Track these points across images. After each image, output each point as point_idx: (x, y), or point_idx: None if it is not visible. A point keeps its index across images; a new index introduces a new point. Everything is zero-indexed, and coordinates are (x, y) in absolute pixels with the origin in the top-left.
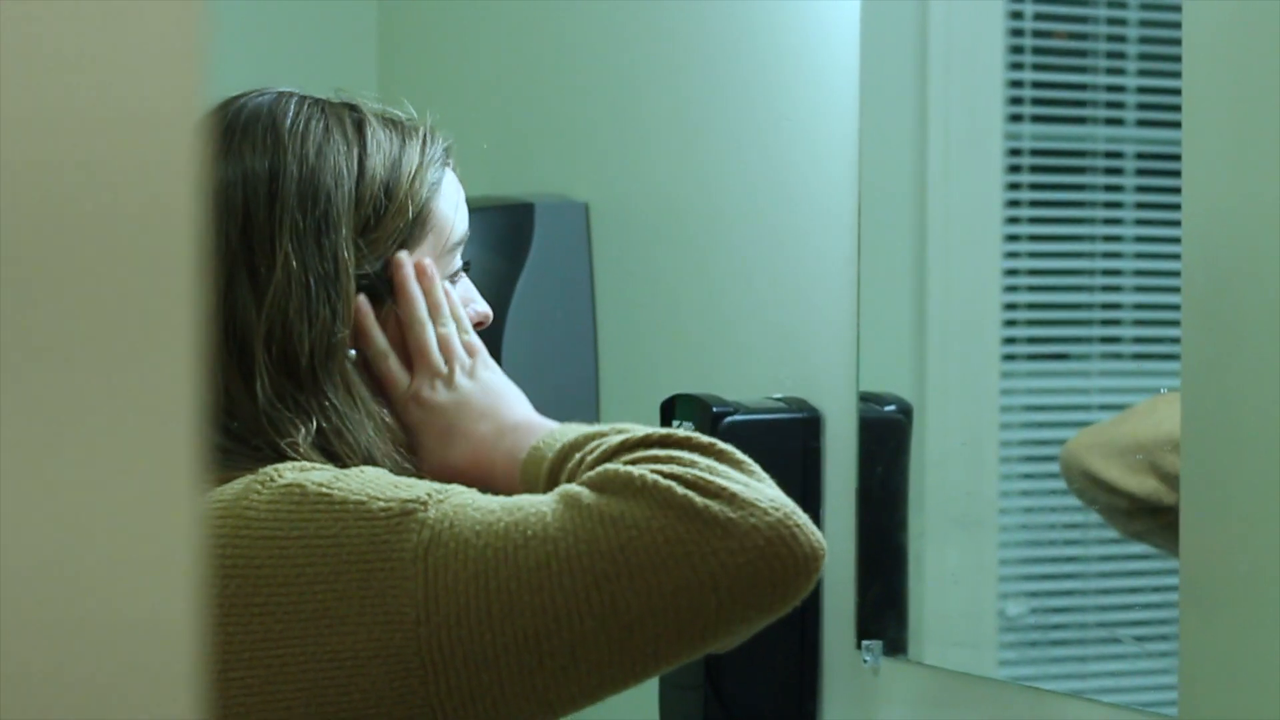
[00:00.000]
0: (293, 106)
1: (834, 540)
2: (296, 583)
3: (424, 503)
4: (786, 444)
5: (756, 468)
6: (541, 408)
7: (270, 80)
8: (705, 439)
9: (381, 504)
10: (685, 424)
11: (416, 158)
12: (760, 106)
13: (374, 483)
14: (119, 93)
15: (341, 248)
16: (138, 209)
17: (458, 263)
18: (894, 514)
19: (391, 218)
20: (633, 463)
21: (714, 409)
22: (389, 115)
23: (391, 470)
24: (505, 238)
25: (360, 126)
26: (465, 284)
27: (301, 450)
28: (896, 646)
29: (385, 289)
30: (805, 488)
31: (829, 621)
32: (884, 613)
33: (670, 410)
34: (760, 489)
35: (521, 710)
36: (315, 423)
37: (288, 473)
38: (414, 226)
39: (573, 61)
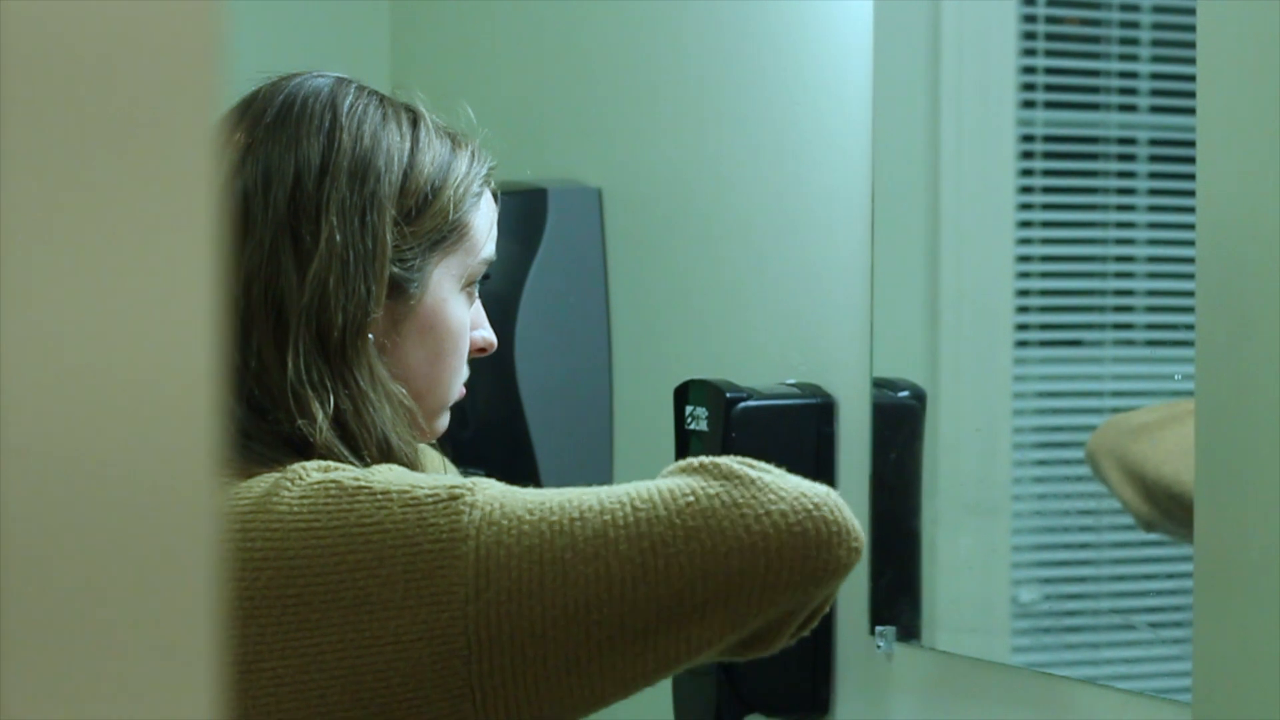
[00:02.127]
0: (353, 91)
1: None
2: (335, 571)
3: (470, 488)
4: (800, 430)
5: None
6: (555, 393)
7: (283, 65)
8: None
9: (426, 490)
10: (698, 410)
11: (464, 168)
12: (773, 93)
13: (409, 476)
14: (136, 80)
15: (383, 229)
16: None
17: (478, 280)
18: (907, 500)
19: (431, 215)
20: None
21: (727, 394)
22: (443, 124)
23: (408, 451)
24: (519, 223)
25: (416, 124)
26: (478, 308)
27: (320, 436)
28: (910, 632)
29: (411, 289)
30: (818, 474)
31: (842, 608)
32: (897, 599)
33: (683, 396)
34: (799, 479)
35: (563, 692)
36: (335, 402)
37: (314, 472)
38: (450, 231)
39: (585, 47)
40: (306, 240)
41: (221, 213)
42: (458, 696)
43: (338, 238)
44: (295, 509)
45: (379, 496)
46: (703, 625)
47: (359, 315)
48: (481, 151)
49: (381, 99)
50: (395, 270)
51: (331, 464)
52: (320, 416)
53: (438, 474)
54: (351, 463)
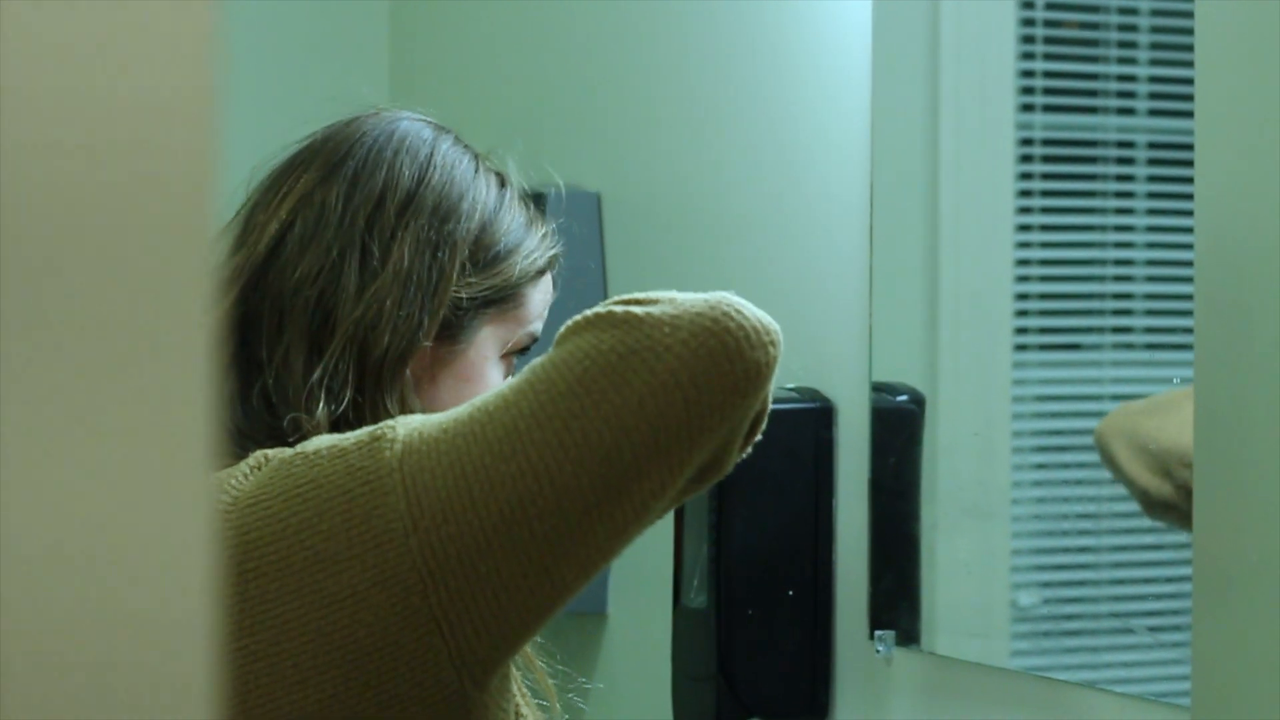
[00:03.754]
0: (451, 139)
1: (846, 531)
2: (283, 537)
3: (391, 426)
4: (799, 434)
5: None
6: None
7: (282, 69)
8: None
9: (352, 440)
10: None
11: (535, 242)
12: (772, 96)
13: (340, 436)
14: (132, 88)
15: (451, 268)
16: (151, 206)
17: (515, 359)
18: (906, 504)
19: (496, 273)
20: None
21: None
22: (527, 194)
23: None
24: None
25: (503, 186)
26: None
27: (310, 424)
28: (909, 637)
29: (459, 335)
30: (817, 478)
31: (841, 612)
32: (896, 603)
33: None
34: (691, 295)
35: (525, 595)
36: (348, 410)
37: (263, 456)
38: (509, 295)
39: (584, 52)
40: (375, 257)
41: (218, 209)
42: (425, 632)
43: (405, 263)
44: (246, 486)
45: (310, 457)
46: (644, 481)
47: (407, 342)
48: (554, 235)
49: (476, 155)
50: (448, 314)
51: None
52: (322, 416)
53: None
54: None
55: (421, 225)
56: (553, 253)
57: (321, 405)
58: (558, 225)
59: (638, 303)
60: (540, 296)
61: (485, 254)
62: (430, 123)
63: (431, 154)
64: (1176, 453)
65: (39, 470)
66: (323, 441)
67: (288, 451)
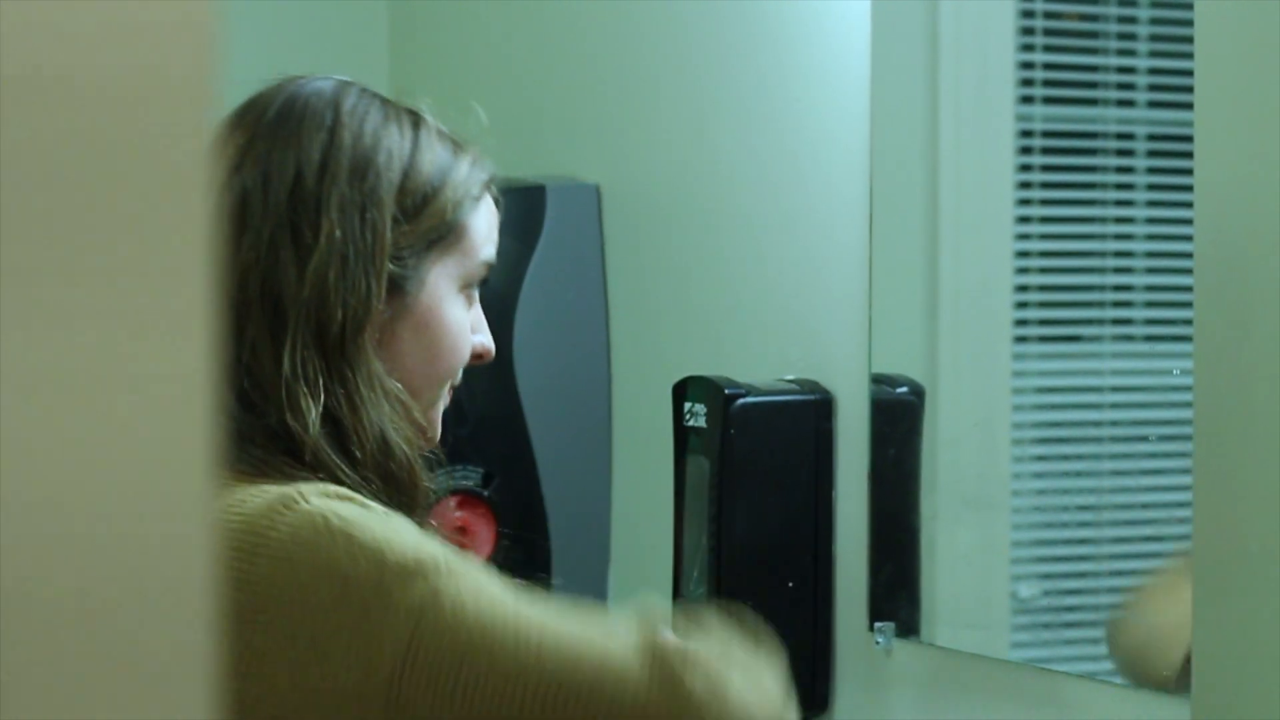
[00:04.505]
0: (355, 92)
1: (846, 523)
2: (299, 605)
3: (436, 567)
4: (798, 426)
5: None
6: (553, 390)
7: (281, 64)
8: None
9: (396, 556)
10: (697, 406)
11: (464, 172)
12: (771, 88)
13: (397, 533)
14: (131, 87)
15: (383, 226)
16: (148, 185)
17: (476, 284)
18: (906, 496)
19: (430, 215)
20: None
21: (726, 391)
22: (445, 130)
23: (407, 448)
24: (517, 220)
25: (417, 126)
26: (477, 311)
27: (310, 433)
28: (909, 628)
29: (407, 286)
30: (817, 470)
31: (841, 603)
32: (896, 594)
33: (682, 392)
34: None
35: None
36: (327, 400)
37: (313, 498)
38: (448, 232)
39: (584, 43)
40: (306, 235)
41: (216, 206)
42: None
43: (338, 233)
44: (283, 536)
45: (355, 546)
46: None
47: (359, 311)
48: (482, 159)
49: (384, 102)
50: (393, 268)
51: (331, 489)
52: (310, 414)
53: (423, 539)
54: (339, 464)
55: (343, 190)
56: (485, 176)
57: (303, 399)
58: (483, 153)
59: (723, 665)
60: (483, 222)
61: (414, 199)
62: (333, 80)
63: (336, 115)
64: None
65: (39, 455)
66: (376, 531)
67: (337, 514)
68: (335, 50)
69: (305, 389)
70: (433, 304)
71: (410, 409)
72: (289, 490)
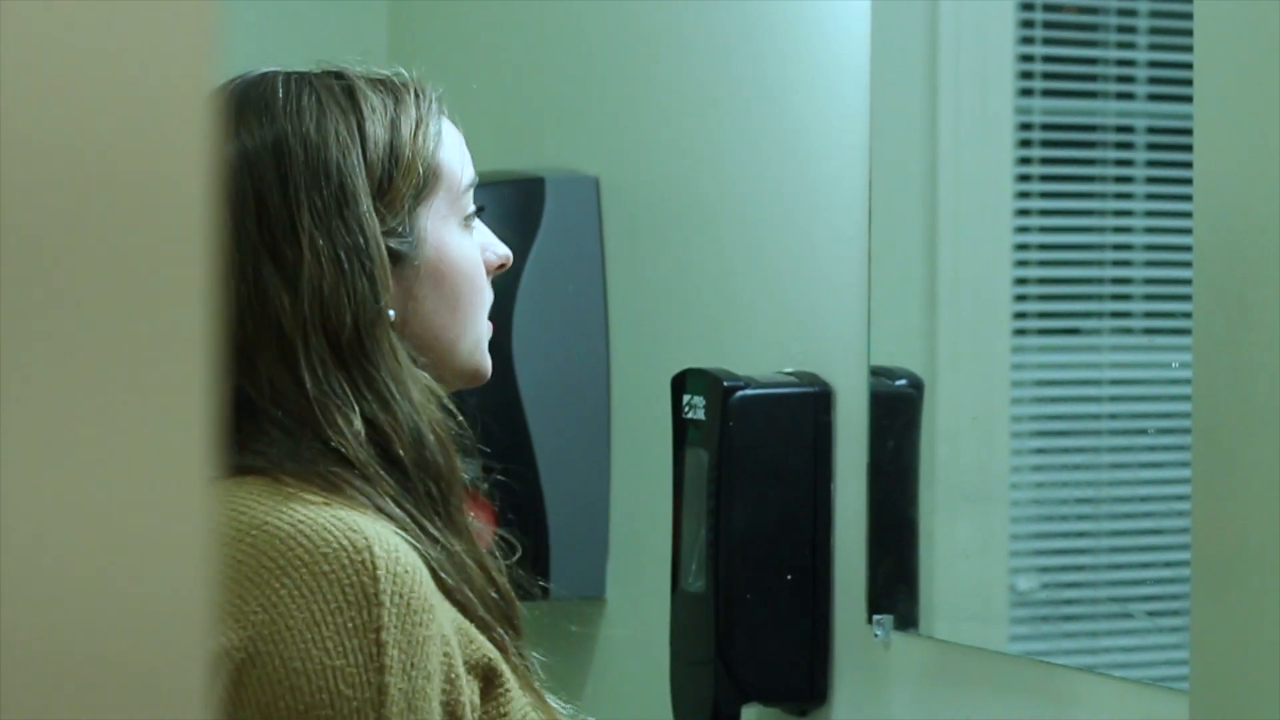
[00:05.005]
0: (280, 84)
1: (845, 515)
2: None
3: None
4: (797, 418)
5: None
6: (552, 382)
7: (281, 57)
8: None
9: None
10: (696, 398)
11: (413, 113)
12: (771, 80)
13: (414, 698)
14: (131, 87)
15: (365, 217)
16: (148, 194)
17: (470, 207)
18: (905, 489)
19: (402, 177)
20: None
21: (725, 383)
22: (375, 76)
23: (443, 436)
24: (516, 212)
25: (351, 93)
26: (481, 228)
27: (360, 450)
28: (907, 621)
29: (410, 251)
30: (816, 462)
31: (840, 596)
32: (895, 587)
33: (681, 385)
34: None
35: None
36: (362, 406)
37: (381, 563)
38: (426, 181)
39: (583, 35)
40: (289, 255)
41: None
42: None
43: (320, 242)
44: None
45: (407, 625)
46: None
47: (368, 308)
48: (423, 86)
49: (310, 80)
50: (390, 244)
51: (397, 549)
52: (350, 427)
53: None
54: (386, 479)
55: (311, 198)
56: (434, 103)
57: (338, 414)
58: (418, 74)
59: None
60: (453, 150)
61: (383, 170)
62: (252, 76)
63: (274, 119)
64: None
65: (40, 475)
66: (416, 590)
67: (392, 601)
68: (334, 44)
69: (337, 402)
70: (439, 252)
71: (436, 392)
72: (361, 537)
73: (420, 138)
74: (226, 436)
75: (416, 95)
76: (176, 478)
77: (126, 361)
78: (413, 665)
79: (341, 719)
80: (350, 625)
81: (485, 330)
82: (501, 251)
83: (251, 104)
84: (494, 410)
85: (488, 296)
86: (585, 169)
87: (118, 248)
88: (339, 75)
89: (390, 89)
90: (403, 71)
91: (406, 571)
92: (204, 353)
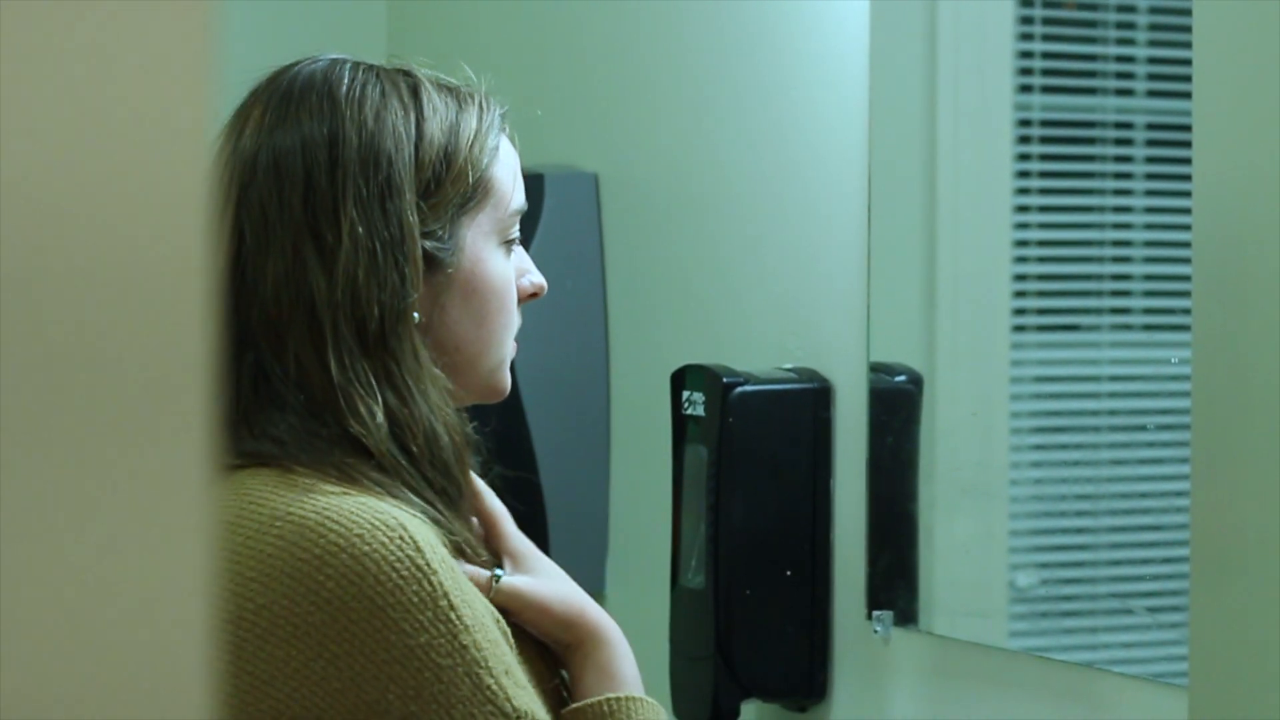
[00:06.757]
0: (347, 73)
1: (844, 511)
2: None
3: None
4: (797, 414)
5: None
6: (551, 378)
7: (281, 56)
8: None
9: (492, 689)
10: (695, 395)
11: (474, 124)
12: (769, 77)
13: (492, 647)
14: (130, 86)
15: (406, 212)
16: (148, 195)
17: (515, 232)
18: (904, 484)
19: (452, 183)
20: None
21: (724, 380)
22: (443, 81)
23: (456, 436)
24: None
25: (416, 91)
26: (520, 254)
27: (376, 441)
28: (907, 617)
29: (446, 258)
30: (815, 458)
31: (839, 592)
32: (894, 583)
33: (680, 381)
34: None
35: None
36: (383, 397)
37: (419, 536)
38: (474, 192)
39: (582, 32)
40: (329, 239)
41: (233, 223)
42: None
43: (360, 230)
44: (386, 566)
45: (455, 646)
46: None
47: (396, 303)
48: (489, 99)
49: (378, 73)
50: (427, 245)
51: (432, 539)
52: (373, 418)
53: (526, 688)
54: (406, 468)
55: (358, 185)
56: (497, 119)
57: (361, 403)
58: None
59: None
60: (505, 169)
61: (432, 172)
62: (322, 61)
63: (335, 105)
64: None
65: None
66: (476, 638)
67: (442, 584)
68: (333, 42)
69: (360, 391)
70: (474, 267)
71: (455, 396)
72: (396, 522)
73: (476, 148)
74: (238, 418)
75: (481, 107)
76: (177, 477)
77: (127, 362)
78: (480, 621)
79: (453, 690)
80: (415, 600)
81: (510, 351)
82: (537, 280)
83: (316, 88)
84: (492, 406)
85: (516, 319)
86: (584, 166)
87: (118, 248)
88: (406, 73)
89: (455, 95)
90: (473, 79)
91: (437, 541)
92: (204, 353)
